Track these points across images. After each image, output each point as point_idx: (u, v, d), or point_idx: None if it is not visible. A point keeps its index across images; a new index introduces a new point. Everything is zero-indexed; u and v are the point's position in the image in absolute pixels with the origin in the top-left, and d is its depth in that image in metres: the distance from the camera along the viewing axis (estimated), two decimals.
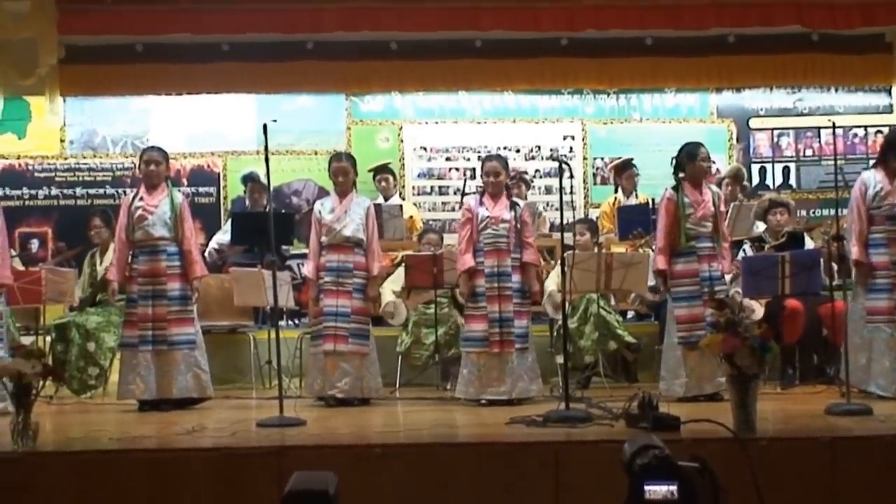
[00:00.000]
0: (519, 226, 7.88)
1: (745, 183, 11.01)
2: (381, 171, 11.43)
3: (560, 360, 8.29)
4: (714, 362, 7.41)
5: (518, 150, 12.47)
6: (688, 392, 7.63)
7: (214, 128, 12.42)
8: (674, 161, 8.02)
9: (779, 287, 8.20)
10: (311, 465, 3.73)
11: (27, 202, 12.20)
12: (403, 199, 11.85)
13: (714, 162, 9.84)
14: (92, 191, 12.29)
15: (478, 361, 7.79)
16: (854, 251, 7.68)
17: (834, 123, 7.90)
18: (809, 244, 9.23)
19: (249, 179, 11.20)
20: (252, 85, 12.23)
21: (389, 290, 9.41)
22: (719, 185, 9.74)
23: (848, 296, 7.96)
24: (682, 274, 7.80)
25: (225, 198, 12.37)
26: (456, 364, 8.93)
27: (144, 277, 7.87)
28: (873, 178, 7.79)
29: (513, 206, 7.94)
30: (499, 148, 12.05)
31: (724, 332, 5.70)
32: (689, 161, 7.90)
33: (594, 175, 12.71)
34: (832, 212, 9.17)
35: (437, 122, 12.70)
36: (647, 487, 3.13)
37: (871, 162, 11.67)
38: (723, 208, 8.03)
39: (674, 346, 7.83)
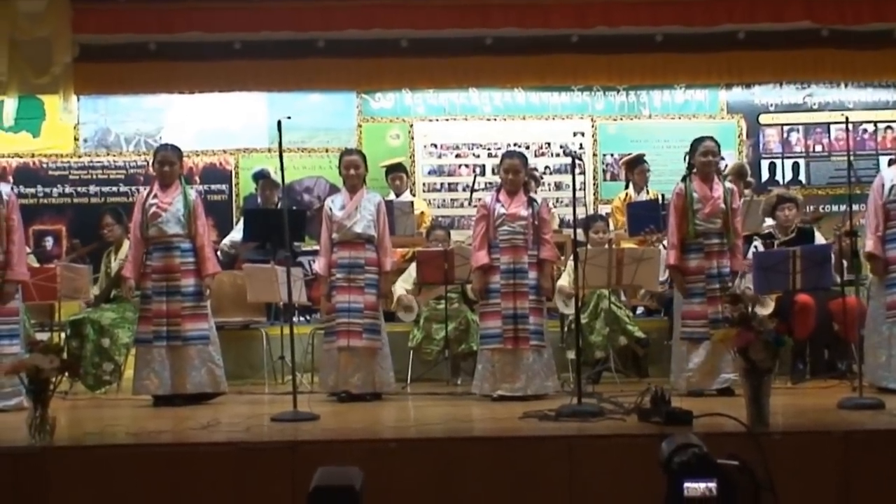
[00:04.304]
0: (537, 222, 7.87)
1: (750, 179, 11.00)
2: (395, 169, 11.46)
3: (571, 355, 8.33)
4: (719, 359, 7.49)
5: (528, 147, 12.47)
6: (690, 387, 7.66)
7: (226, 125, 12.50)
8: (686, 155, 8.05)
9: (790, 282, 8.20)
10: (325, 460, 3.76)
11: (41, 200, 12.31)
12: (414, 195, 11.88)
13: (723, 158, 9.84)
14: (105, 189, 12.37)
15: (492, 358, 7.79)
16: (868, 244, 7.70)
17: (847, 118, 7.88)
18: (819, 239, 9.23)
19: (260, 177, 11.23)
20: (263, 83, 12.29)
21: (401, 286, 9.45)
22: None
23: (861, 292, 7.97)
24: (689, 270, 7.82)
25: (237, 195, 12.44)
26: (466, 359, 8.99)
27: (158, 274, 7.91)
28: (890, 174, 7.83)
29: (530, 202, 7.94)
30: (509, 145, 12.07)
31: (737, 326, 5.71)
32: (692, 155, 7.94)
33: (604, 171, 12.74)
34: (842, 207, 9.17)
35: (447, 119, 12.76)
36: (686, 485, 3.15)
37: (881, 157, 11.81)
38: (735, 205, 8.02)
39: (680, 342, 7.87)
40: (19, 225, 7.79)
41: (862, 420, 6.09)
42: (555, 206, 11.78)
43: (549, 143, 12.72)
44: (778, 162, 12.78)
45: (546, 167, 12.59)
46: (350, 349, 7.90)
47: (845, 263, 8.21)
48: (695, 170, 7.92)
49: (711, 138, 8.01)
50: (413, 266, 9.39)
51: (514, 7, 11.69)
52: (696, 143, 7.97)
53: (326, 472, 3.28)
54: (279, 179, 7.44)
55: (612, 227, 10.45)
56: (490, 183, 11.50)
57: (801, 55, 12.39)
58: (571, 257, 7.92)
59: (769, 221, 9.54)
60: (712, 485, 3.14)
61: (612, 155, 12.72)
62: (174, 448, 5.65)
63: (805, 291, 8.42)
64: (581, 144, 12.67)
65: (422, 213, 11.31)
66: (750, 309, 5.93)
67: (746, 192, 10.30)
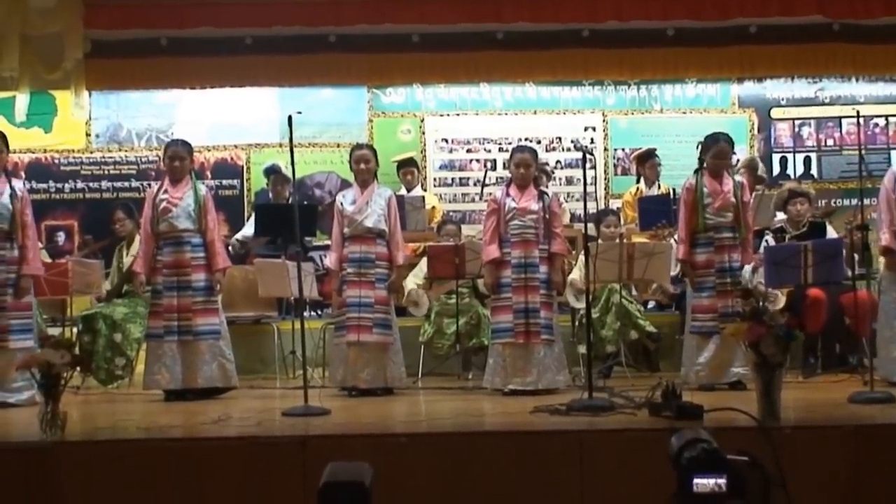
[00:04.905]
0: (547, 216, 7.86)
1: (762, 174, 10.95)
2: (407, 164, 11.46)
3: (582, 349, 8.34)
4: (729, 353, 7.49)
5: (539, 142, 12.44)
6: (700, 381, 7.65)
7: (237, 121, 12.49)
8: (699, 146, 8.03)
9: (801, 276, 8.18)
10: (336, 455, 3.76)
11: (53, 195, 12.32)
12: (425, 190, 11.88)
13: (735, 153, 9.81)
14: (117, 184, 12.39)
15: (504, 352, 7.80)
16: (883, 238, 7.64)
17: (858, 112, 7.86)
18: (831, 233, 9.21)
19: (272, 172, 11.25)
20: (275, 78, 12.26)
21: (412, 280, 9.46)
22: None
23: (872, 285, 7.95)
24: (699, 264, 7.82)
25: (248, 190, 12.45)
26: (477, 354, 9.00)
27: (169, 269, 7.94)
28: None
29: (541, 196, 7.94)
30: (520, 139, 12.03)
31: (749, 320, 5.71)
32: (704, 152, 7.93)
33: (615, 166, 12.72)
34: (853, 202, 9.13)
35: (458, 114, 12.73)
36: (695, 480, 3.15)
37: (893, 151, 11.74)
38: (746, 198, 8.01)
39: (690, 336, 7.87)
40: (32, 220, 7.86)
41: (873, 414, 6.09)
42: (566, 201, 11.75)
43: (559, 138, 12.70)
44: (789, 156, 12.74)
45: (557, 162, 12.57)
46: (360, 344, 7.92)
47: (857, 257, 8.19)
48: (706, 165, 7.91)
49: (726, 139, 7.95)
50: (424, 261, 9.40)
51: (525, 1, 11.67)
52: (711, 143, 7.92)
53: (336, 467, 3.28)
54: (290, 174, 7.45)
55: (623, 221, 10.44)
56: (501, 177, 11.48)
57: (813, 49, 12.32)
58: (582, 252, 7.92)
59: (780, 216, 9.53)
60: (722, 481, 3.14)
61: (622, 149, 12.70)
62: (185, 443, 5.68)
63: (816, 285, 8.40)
64: (592, 139, 12.66)
65: (433, 207, 11.31)
66: (761, 303, 5.93)
67: (758, 186, 10.27)
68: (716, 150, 7.87)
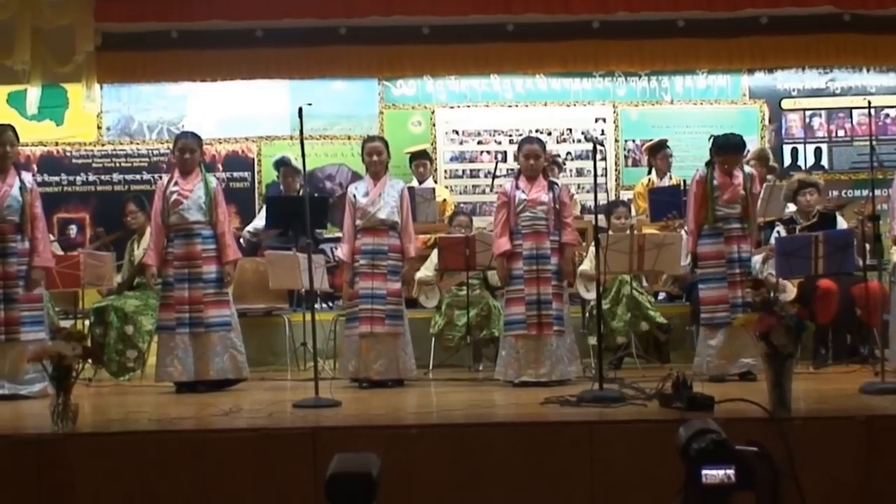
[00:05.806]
0: (558, 206, 7.86)
1: (773, 164, 10.92)
2: (420, 156, 11.47)
3: (593, 340, 8.33)
4: (739, 344, 7.47)
5: (550, 133, 12.45)
6: (710, 372, 7.64)
7: (248, 113, 12.51)
8: (711, 138, 7.99)
9: (812, 267, 8.16)
10: (347, 446, 3.76)
11: (65, 188, 12.37)
12: (436, 182, 11.88)
13: (747, 152, 9.77)
14: (129, 176, 12.42)
15: (516, 344, 7.79)
16: (895, 228, 7.62)
17: (870, 103, 7.83)
18: (842, 224, 9.19)
19: (282, 164, 11.26)
20: (285, 70, 12.29)
21: (423, 272, 9.45)
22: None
23: (883, 276, 7.93)
24: (708, 255, 7.81)
25: (259, 182, 12.46)
26: (488, 345, 9.00)
27: (180, 261, 7.95)
28: None
29: (551, 186, 7.93)
30: (530, 131, 12.02)
31: (759, 311, 5.70)
32: (717, 151, 7.88)
33: (625, 157, 12.70)
34: (864, 192, 9.08)
35: (469, 106, 12.74)
36: (704, 472, 3.14)
37: None
38: (755, 190, 8.00)
39: (703, 327, 7.86)
40: (41, 213, 7.89)
41: (884, 405, 6.07)
42: (577, 192, 11.76)
43: (570, 130, 12.70)
44: (800, 147, 12.71)
45: (568, 153, 12.56)
46: (373, 335, 7.92)
47: (868, 248, 8.17)
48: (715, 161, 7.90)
49: (736, 146, 7.88)
50: (435, 252, 9.40)
51: None
52: (722, 147, 7.85)
53: (343, 458, 3.27)
54: (301, 166, 7.46)
55: (633, 212, 10.43)
56: (511, 169, 11.47)
57: (824, 40, 12.29)
58: (593, 243, 7.92)
59: (791, 207, 9.51)
60: (731, 472, 3.13)
61: (633, 141, 12.69)
62: (196, 434, 5.68)
63: (827, 276, 8.39)
64: (603, 130, 12.64)
65: (444, 200, 11.30)
66: (772, 294, 5.93)
67: (769, 177, 10.24)
68: (724, 157, 7.82)
